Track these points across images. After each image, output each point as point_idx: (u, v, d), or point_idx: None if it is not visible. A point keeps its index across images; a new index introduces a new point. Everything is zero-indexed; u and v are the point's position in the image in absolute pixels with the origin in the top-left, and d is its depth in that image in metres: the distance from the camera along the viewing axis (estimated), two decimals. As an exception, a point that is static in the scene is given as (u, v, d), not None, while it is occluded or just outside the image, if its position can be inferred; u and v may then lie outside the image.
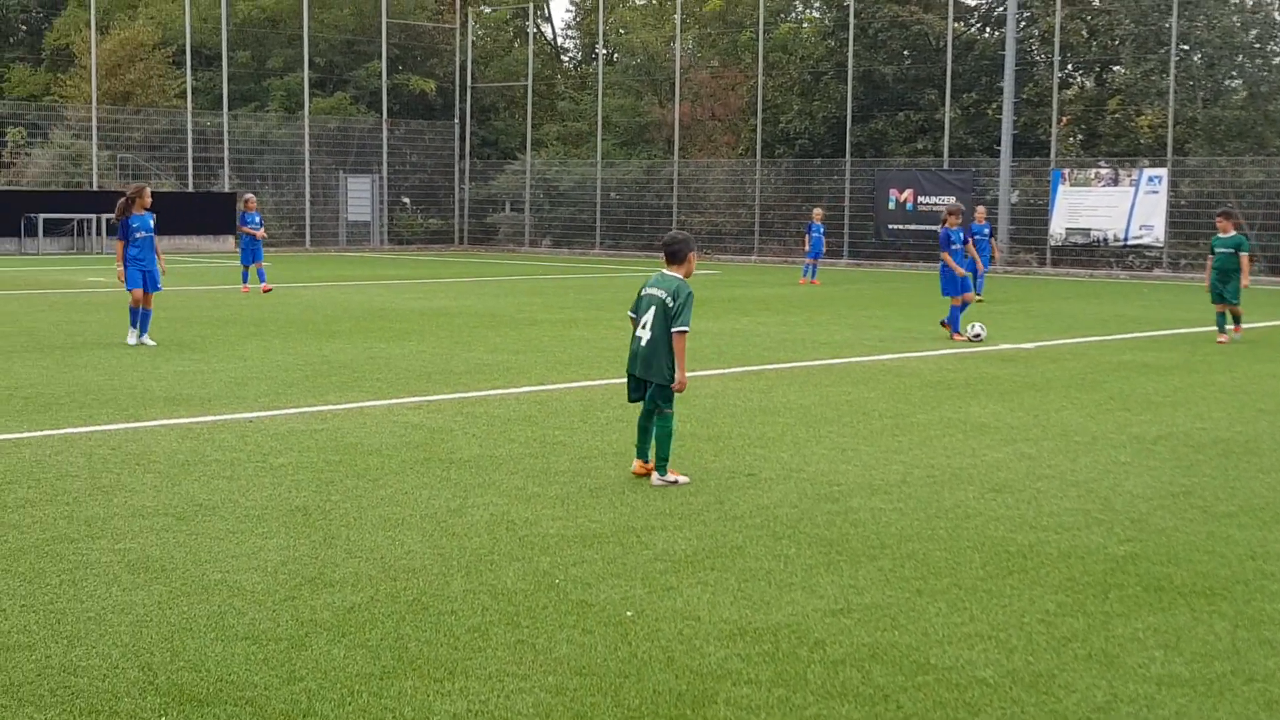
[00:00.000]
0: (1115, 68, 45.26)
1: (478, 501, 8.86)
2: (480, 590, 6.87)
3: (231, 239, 47.99)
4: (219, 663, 5.78)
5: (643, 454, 9.72)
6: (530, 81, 54.82)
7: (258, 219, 28.21)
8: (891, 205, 44.66)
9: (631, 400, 9.81)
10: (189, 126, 48.99)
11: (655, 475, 9.55)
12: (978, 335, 19.80)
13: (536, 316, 22.74)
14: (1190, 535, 8.17)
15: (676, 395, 9.57)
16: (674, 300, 9.38)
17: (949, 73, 44.49)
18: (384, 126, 53.33)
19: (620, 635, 6.21)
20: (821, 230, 34.86)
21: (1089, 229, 41.38)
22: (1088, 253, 41.83)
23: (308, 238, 50.94)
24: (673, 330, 9.36)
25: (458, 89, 56.14)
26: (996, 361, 17.26)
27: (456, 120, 55.97)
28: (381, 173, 53.38)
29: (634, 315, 9.64)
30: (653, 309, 9.43)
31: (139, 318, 17.69)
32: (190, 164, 48.79)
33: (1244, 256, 20.30)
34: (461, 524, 8.25)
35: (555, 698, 5.45)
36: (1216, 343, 19.78)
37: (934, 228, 43.77)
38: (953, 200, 21.62)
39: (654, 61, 54.82)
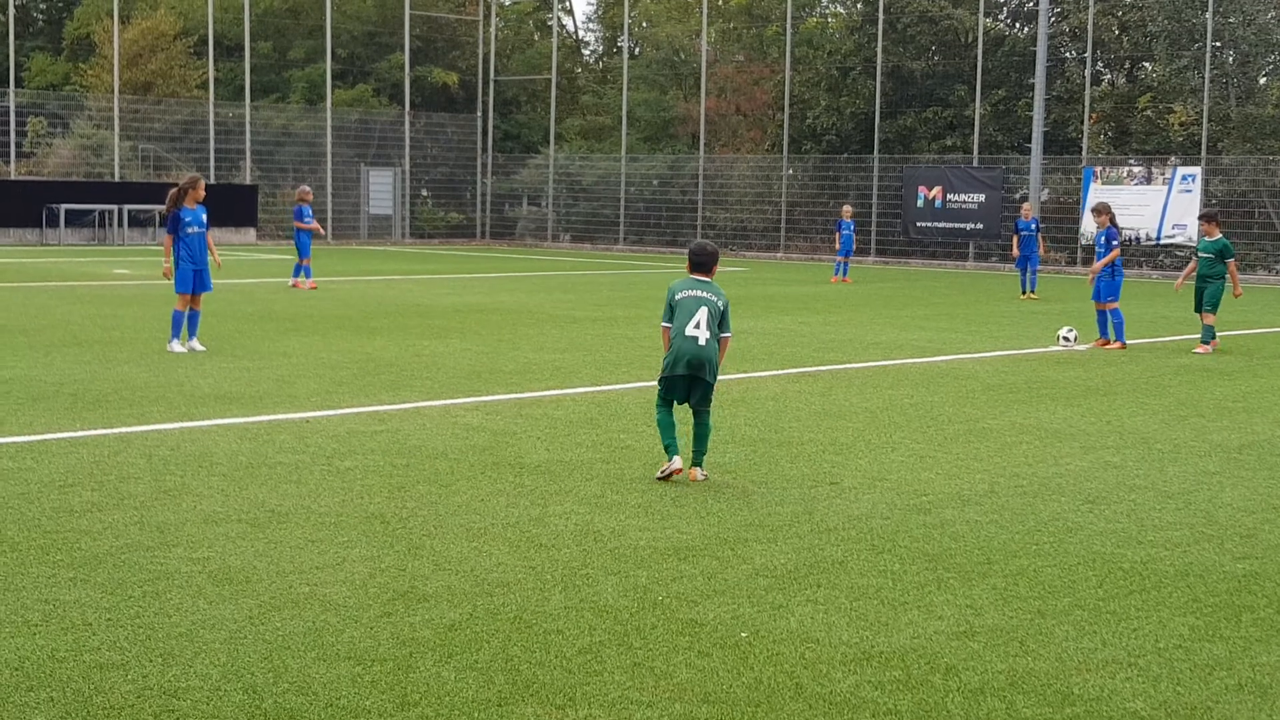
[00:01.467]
0: (1146, 65, 44.84)
1: (558, 510, 8.55)
2: (582, 607, 6.57)
3: (254, 231, 47.77)
4: (325, 685, 5.48)
5: (676, 449, 9.46)
6: (554, 75, 54.46)
7: (309, 212, 27.67)
8: (920, 202, 44.27)
9: (679, 402, 9.54)
10: (211, 117, 48.70)
11: (699, 471, 9.47)
12: (1067, 339, 18.74)
13: (575, 314, 22.42)
14: (1307, 553, 7.85)
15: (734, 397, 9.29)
16: (723, 304, 9.49)
17: (979, 68, 44.10)
18: (406, 119, 53.03)
19: (739, 658, 5.90)
20: (852, 227, 34.22)
21: (1122, 228, 40.88)
22: (1121, 251, 41.30)
23: (329, 231, 50.60)
24: (724, 335, 9.52)
25: (480, 82, 55.79)
26: (1053, 364, 16.92)
27: (479, 113, 55.63)
28: (403, 166, 53.08)
29: (668, 324, 9.50)
30: (704, 309, 9.37)
31: (187, 321, 16.31)
32: (212, 155, 48.49)
33: (1231, 263, 19.01)
34: (546, 534, 7.94)
35: (686, 728, 5.15)
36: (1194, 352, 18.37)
37: (963, 225, 43.55)
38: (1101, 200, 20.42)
39: (679, 55, 54.47)
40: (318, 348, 16.78)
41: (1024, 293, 29.27)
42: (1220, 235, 19.29)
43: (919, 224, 44.53)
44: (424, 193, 55.34)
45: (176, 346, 16.06)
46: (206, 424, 11.30)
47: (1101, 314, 19.26)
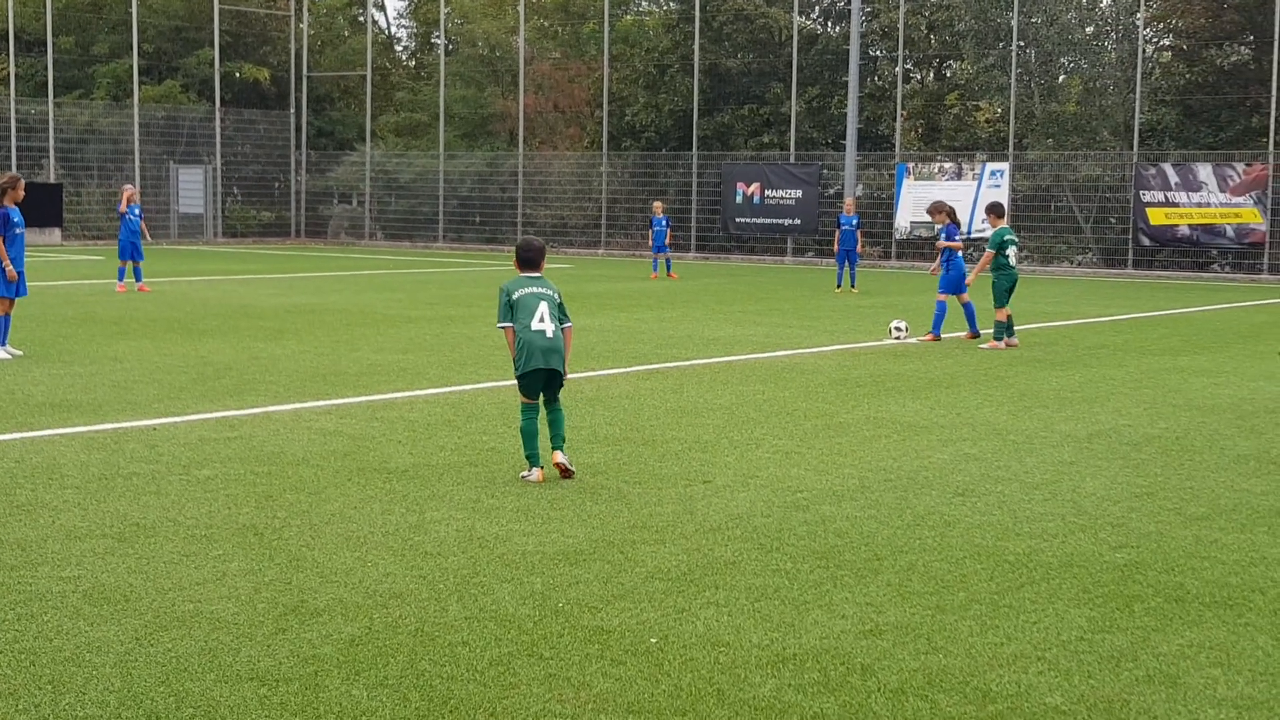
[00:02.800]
0: (954, 63, 45.93)
1: (435, 516, 8.36)
2: (483, 617, 6.41)
3: (59, 232, 46.19)
4: (233, 709, 5.23)
5: (539, 461, 9.52)
6: (369, 71, 53.66)
7: (137, 212, 26.66)
8: (739, 199, 44.70)
9: (532, 400, 9.54)
10: (11, 114, 46.90)
11: (561, 454, 9.51)
12: (899, 330, 19.11)
13: (408, 314, 22.09)
14: (1180, 540, 8.03)
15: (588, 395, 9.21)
16: (559, 297, 9.70)
17: (794, 66, 44.69)
18: (217, 116, 51.75)
19: (654, 665, 5.81)
20: (664, 223, 34.19)
21: (933, 222, 41.83)
22: (931, 246, 42.30)
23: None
24: (566, 325, 9.68)
25: (292, 78, 54.74)
26: (891, 357, 17.17)
27: (291, 110, 54.57)
28: (214, 163, 51.80)
29: (507, 324, 9.54)
30: (544, 304, 9.52)
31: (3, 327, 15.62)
32: (14, 153, 46.72)
33: (987, 252, 19.22)
34: (429, 541, 7.75)
35: (616, 739, 5.03)
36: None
37: (780, 221, 44.09)
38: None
39: (495, 52, 54.15)
40: (149, 351, 16.22)
41: (839, 286, 29.76)
42: (1002, 226, 19.30)
43: (738, 220, 44.96)
44: (235, 191, 54.09)
45: (5, 354, 15.39)
46: (48, 434, 10.81)
47: (967, 306, 19.47)
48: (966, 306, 19.48)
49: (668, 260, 34.06)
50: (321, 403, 12.69)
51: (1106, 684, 5.67)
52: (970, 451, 10.78)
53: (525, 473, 9.50)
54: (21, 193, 15.95)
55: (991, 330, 18.73)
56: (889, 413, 12.67)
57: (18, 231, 15.76)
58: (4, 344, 15.63)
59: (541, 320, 9.45)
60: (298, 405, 12.52)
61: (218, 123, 51.71)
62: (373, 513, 8.40)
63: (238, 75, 53.62)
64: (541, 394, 9.61)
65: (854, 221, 30.06)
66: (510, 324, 9.52)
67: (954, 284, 19.47)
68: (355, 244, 52.23)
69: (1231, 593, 6.98)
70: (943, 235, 20.19)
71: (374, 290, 27.53)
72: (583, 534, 8.00)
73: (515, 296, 9.54)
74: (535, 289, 9.57)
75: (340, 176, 54.79)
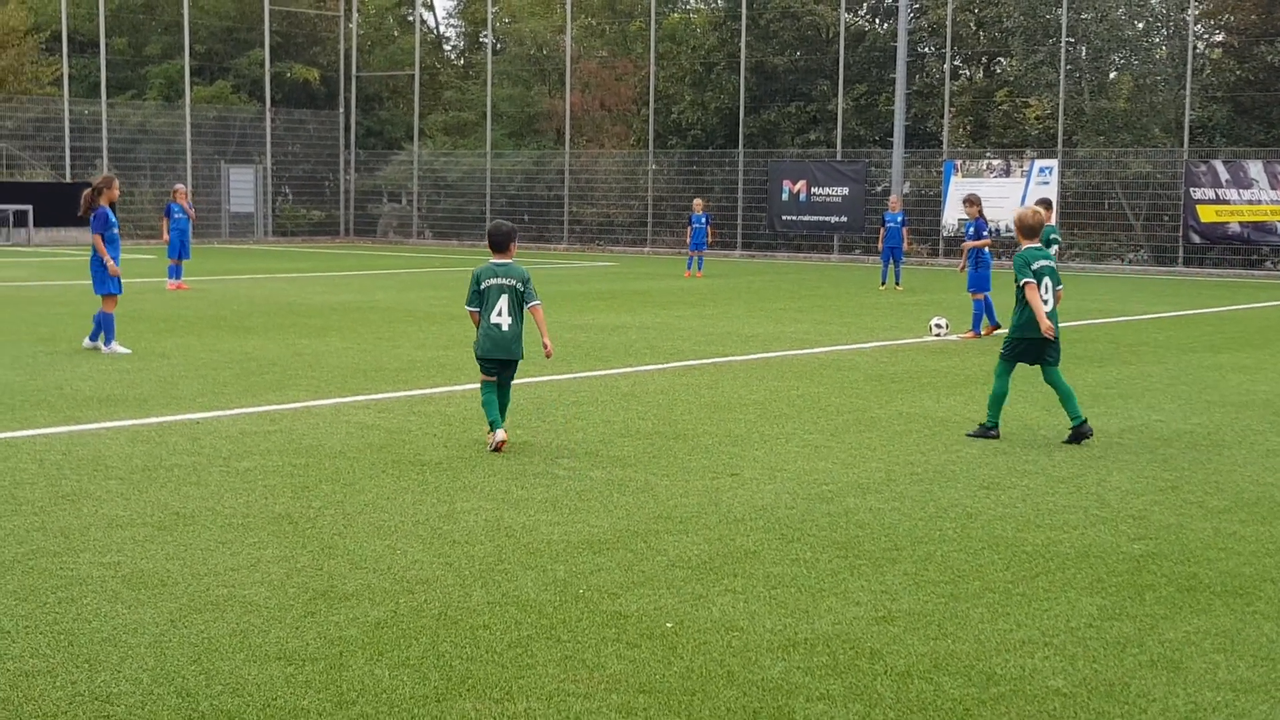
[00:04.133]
0: (1003, 60, 45.83)
1: (465, 506, 8.55)
2: (505, 602, 6.59)
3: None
4: (259, 686, 5.44)
5: (500, 424, 10.46)
6: (417, 70, 54.06)
7: (181, 211, 27.05)
8: (785, 196, 44.78)
9: (491, 379, 10.55)
10: (66, 115, 47.58)
11: (503, 432, 10.40)
12: (940, 328, 19.23)
13: (451, 311, 22.31)
14: (1198, 532, 8.13)
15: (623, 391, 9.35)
16: (523, 285, 10.53)
17: (840, 64, 44.72)
18: (267, 116, 52.30)
19: (668, 649, 5.97)
20: (704, 220, 34.34)
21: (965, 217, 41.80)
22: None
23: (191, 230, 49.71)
24: (531, 306, 10.54)
25: (342, 78, 55.24)
26: (929, 354, 17.26)
27: (341, 110, 55.08)
28: (265, 163, 52.35)
29: (474, 309, 10.57)
30: (504, 297, 10.47)
31: (106, 323, 15.96)
32: (68, 153, 47.41)
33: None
34: (458, 530, 7.95)
35: (626, 717, 5.20)
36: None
37: (828, 218, 44.14)
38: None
39: (542, 51, 54.43)
40: (195, 348, 16.53)
41: (883, 283, 29.78)
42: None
43: (784, 218, 45.03)
44: (286, 190, 54.63)
45: (119, 348, 15.91)
46: (94, 427, 11.09)
47: (986, 301, 19.49)
48: (986, 302, 19.45)
49: (700, 259, 34.12)
50: (361, 397, 12.93)
51: (1110, 668, 5.79)
52: (999, 446, 10.89)
53: (491, 440, 10.33)
54: (117, 192, 16.55)
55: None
56: (922, 408, 12.78)
57: (115, 231, 16.35)
58: (112, 340, 16.01)
59: (500, 314, 10.43)
60: (338, 400, 12.76)
61: (268, 123, 52.25)
62: (404, 503, 8.60)
63: (288, 75, 54.13)
64: (498, 375, 10.60)
65: (899, 219, 30.05)
66: (476, 309, 10.54)
67: (982, 281, 19.45)
68: (404, 243, 52.64)
69: (1243, 582, 7.07)
70: (969, 232, 20.13)
71: (418, 288, 27.82)
72: (607, 524, 8.18)
73: (482, 287, 10.49)
74: (500, 280, 10.47)
75: (389, 175, 55.23)
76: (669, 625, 6.29)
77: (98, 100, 48.44)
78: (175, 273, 26.57)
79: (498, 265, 10.52)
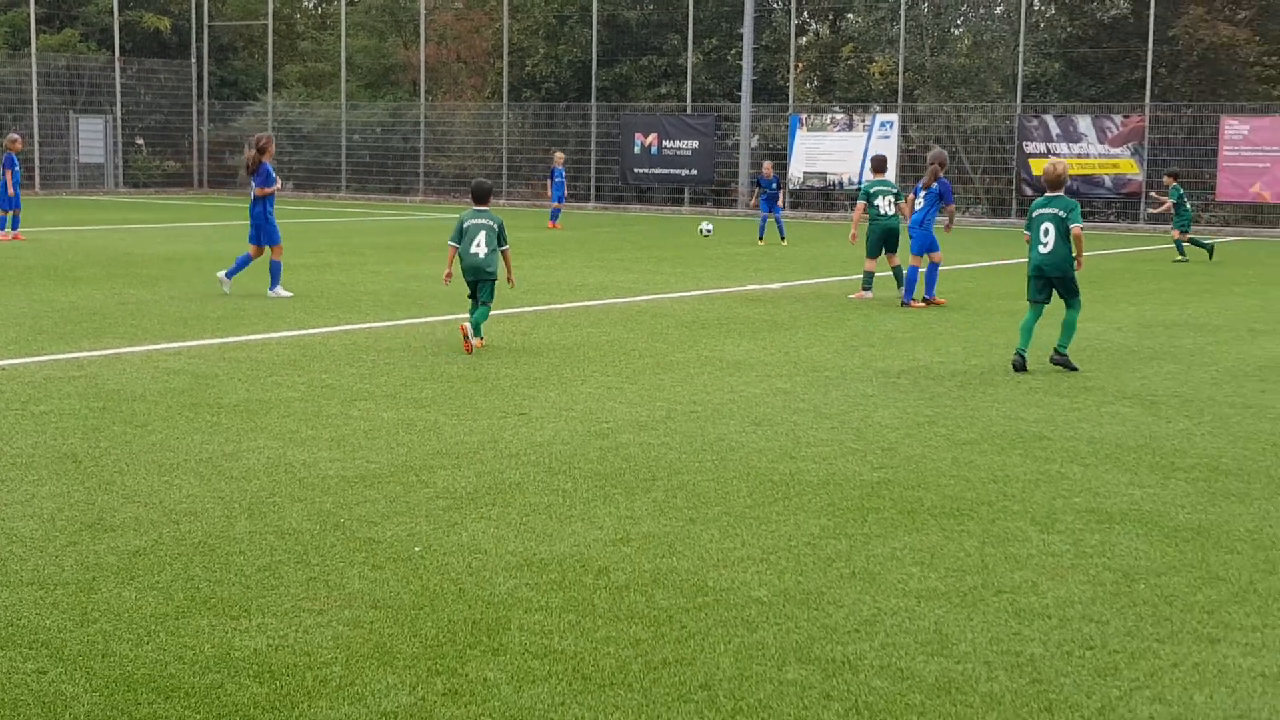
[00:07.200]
0: (849, 15, 46.57)
1: (251, 445, 8.88)
2: (266, 531, 6.96)
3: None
4: (6, 608, 5.76)
5: (479, 332, 13.08)
6: (270, 20, 53.50)
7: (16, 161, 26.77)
8: (637, 149, 45.21)
9: (471, 298, 13.39)
10: (-96, 63, 46.43)
11: (479, 339, 13.06)
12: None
13: (288, 261, 22.37)
14: (937, 461, 8.73)
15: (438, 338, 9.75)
16: (498, 226, 13.40)
17: (690, 18, 45.13)
18: (117, 65, 51.44)
19: (411, 570, 6.39)
20: (563, 174, 34.84)
21: (825, 173, 42.66)
22: (824, 196, 43.15)
23: (37, 180, 48.87)
24: (504, 249, 13.43)
25: (194, 27, 54.45)
26: (745, 302, 17.83)
27: (193, 59, 54.33)
28: (115, 113, 51.53)
29: (455, 243, 13.35)
30: (484, 232, 13.29)
31: (273, 269, 17.72)
32: (-94, 102, 46.29)
33: (859, 203, 18.58)
34: (238, 468, 8.28)
35: (353, 630, 5.61)
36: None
37: (679, 171, 44.64)
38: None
39: (398, 2, 54.11)
40: (17, 297, 16.56)
41: (761, 238, 30.12)
42: (877, 178, 18.68)
43: (636, 170, 45.48)
44: (139, 141, 53.81)
45: (283, 291, 17.51)
46: (-104, 374, 11.20)
47: (911, 271, 17.89)
48: (910, 271, 17.92)
49: (557, 211, 34.52)
50: (176, 344, 13.14)
51: (812, 580, 6.32)
52: (783, 386, 11.44)
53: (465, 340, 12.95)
54: (273, 149, 18.11)
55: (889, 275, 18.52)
56: (721, 352, 13.31)
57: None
58: (276, 285, 17.61)
59: (478, 245, 13.22)
60: (151, 347, 12.96)
61: (117, 72, 51.40)
62: (192, 443, 8.91)
63: (139, 24, 53.23)
64: (478, 295, 13.28)
65: (774, 184, 30.37)
66: (456, 244, 13.34)
67: (925, 244, 17.88)
68: (258, 194, 52.15)
69: (962, 505, 7.66)
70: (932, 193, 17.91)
71: (262, 239, 27.77)
72: (386, 460, 8.56)
73: (465, 225, 13.31)
74: (480, 220, 13.33)
75: (244, 126, 54.54)
76: (417, 550, 6.70)
77: (-62, 48, 47.31)
78: (10, 224, 26.31)
79: (478, 211, 13.45)
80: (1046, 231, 12.43)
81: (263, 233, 17.80)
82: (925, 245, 17.84)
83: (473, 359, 12.57)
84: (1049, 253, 12.41)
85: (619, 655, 5.38)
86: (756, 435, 9.46)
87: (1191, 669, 5.35)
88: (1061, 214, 12.37)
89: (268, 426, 9.48)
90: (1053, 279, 12.51)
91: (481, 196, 13.69)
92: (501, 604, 5.95)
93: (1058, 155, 38.86)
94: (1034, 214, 12.62)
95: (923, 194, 17.82)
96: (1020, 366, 12.31)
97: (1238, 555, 6.84)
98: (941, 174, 17.92)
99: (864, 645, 5.52)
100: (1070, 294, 12.51)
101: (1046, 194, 12.75)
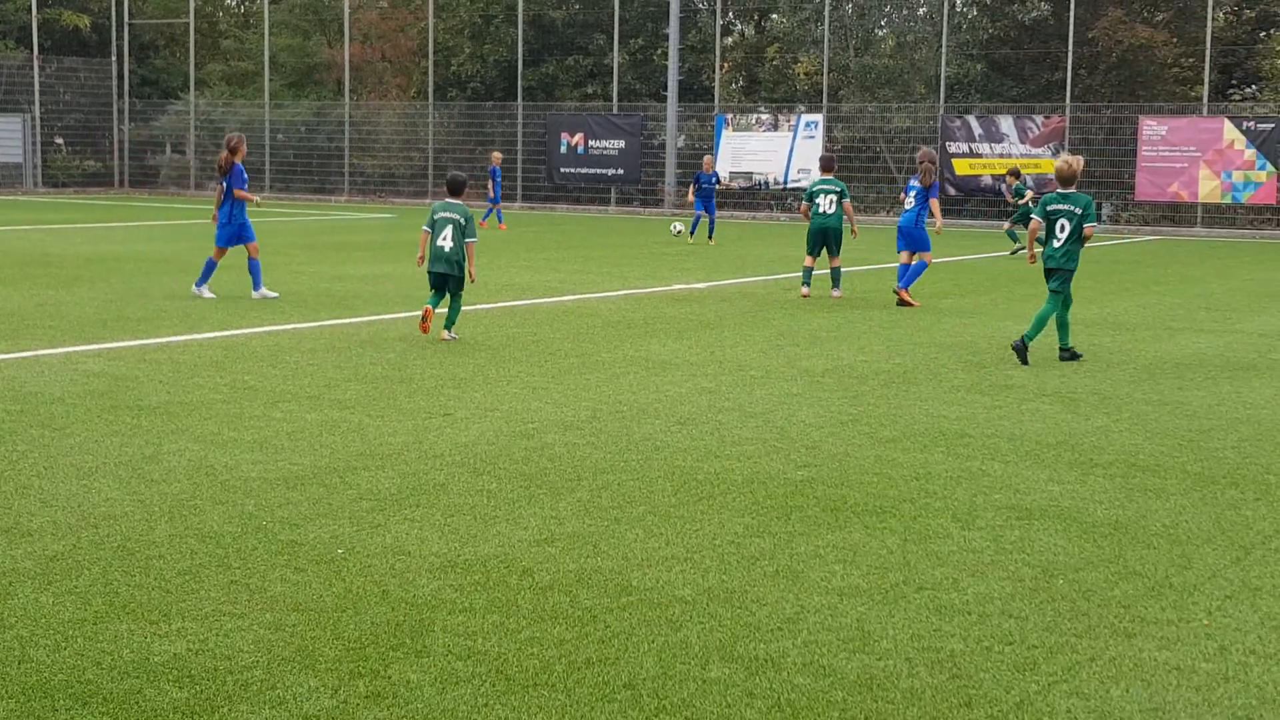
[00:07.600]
0: (774, 16, 46.80)
1: (172, 448, 8.80)
2: (186, 534, 6.89)
3: None
4: (-78, 616, 5.68)
5: (448, 326, 13.83)
6: (193, 18, 52.98)
7: None
8: (563, 149, 45.19)
9: (434, 289, 13.89)
10: None
11: (447, 333, 13.78)
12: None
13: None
14: (860, 460, 8.79)
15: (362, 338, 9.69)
16: (466, 221, 13.82)
17: (616, 18, 45.18)
18: (35, 63, 50.74)
19: (333, 572, 6.36)
20: (500, 174, 34.65)
21: (751, 172, 42.84)
22: (750, 195, 43.31)
23: (-48, 180, 48.17)
24: (468, 241, 13.81)
25: (114, 25, 53.81)
26: (671, 302, 17.87)
27: (114, 58, 53.69)
28: (33, 112, 50.82)
29: (428, 229, 13.88)
30: (451, 226, 13.77)
31: (254, 270, 17.54)
32: None
33: (803, 204, 18.82)
34: (158, 470, 8.20)
35: (275, 634, 5.57)
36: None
37: (605, 171, 44.65)
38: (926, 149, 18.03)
39: (321, 0, 53.75)
40: (-67, 300, 16.30)
41: (692, 235, 30.13)
42: (823, 177, 19.12)
43: (562, 170, 45.46)
44: (58, 140, 53.11)
45: (268, 292, 17.38)
46: None
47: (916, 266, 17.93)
48: (915, 267, 17.93)
49: (491, 211, 34.34)
50: (95, 346, 12.99)
51: (736, 578, 6.35)
52: (708, 386, 11.48)
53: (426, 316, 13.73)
54: (244, 151, 18.32)
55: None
56: (647, 352, 13.33)
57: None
58: (260, 287, 17.40)
59: (445, 239, 13.73)
60: (70, 349, 12.80)
61: (36, 70, 50.72)
62: (110, 446, 8.81)
63: (58, 22, 52.54)
64: (444, 287, 13.81)
65: (713, 180, 30.41)
66: (429, 230, 13.87)
67: (918, 243, 17.93)
68: (182, 194, 51.69)
69: (885, 503, 7.73)
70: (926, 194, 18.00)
71: (185, 239, 27.53)
72: (309, 462, 8.51)
73: (436, 217, 13.86)
74: (449, 214, 13.81)
75: (165, 126, 54.08)
76: (340, 552, 6.67)
77: None
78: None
79: (450, 203, 13.90)
80: (1063, 228, 13.13)
81: (228, 234, 17.57)
82: (918, 244, 17.90)
83: (395, 359, 12.51)
84: (1062, 247, 13.17)
85: (543, 656, 5.38)
86: (681, 435, 9.48)
87: (1108, 663, 5.42)
88: (1078, 211, 13.06)
89: (189, 429, 9.39)
90: (1057, 270, 13.27)
91: (456, 189, 14.17)
92: (425, 606, 5.93)
93: (980, 155, 39.26)
94: (1048, 208, 13.27)
95: (913, 194, 17.96)
96: (1020, 351, 13.01)
97: (1154, 550, 6.95)
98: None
99: (787, 643, 5.55)
100: (1058, 284, 13.24)
101: (1059, 190, 13.26)
